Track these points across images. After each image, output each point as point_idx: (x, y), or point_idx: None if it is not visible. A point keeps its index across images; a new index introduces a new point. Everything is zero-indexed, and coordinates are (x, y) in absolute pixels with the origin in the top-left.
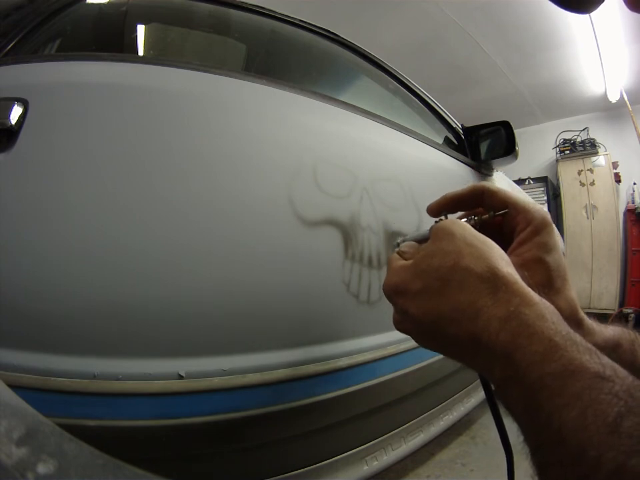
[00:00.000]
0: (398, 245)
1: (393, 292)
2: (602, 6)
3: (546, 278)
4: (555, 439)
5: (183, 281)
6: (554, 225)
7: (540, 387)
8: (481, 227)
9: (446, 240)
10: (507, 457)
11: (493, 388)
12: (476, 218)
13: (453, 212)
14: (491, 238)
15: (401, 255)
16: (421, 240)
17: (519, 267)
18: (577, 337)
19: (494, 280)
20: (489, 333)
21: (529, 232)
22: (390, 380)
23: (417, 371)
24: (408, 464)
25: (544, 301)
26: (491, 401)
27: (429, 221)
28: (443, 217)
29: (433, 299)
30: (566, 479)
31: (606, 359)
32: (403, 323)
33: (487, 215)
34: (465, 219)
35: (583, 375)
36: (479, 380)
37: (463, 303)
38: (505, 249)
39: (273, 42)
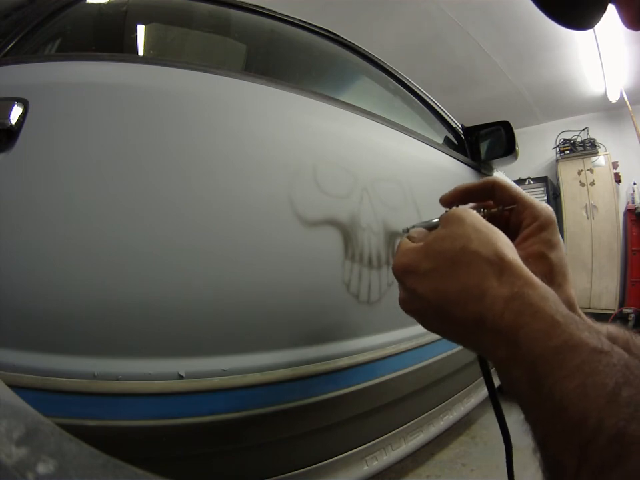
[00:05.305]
0: (408, 230)
1: (402, 271)
2: None
3: (547, 273)
4: (556, 408)
5: (183, 281)
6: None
7: (542, 362)
8: (489, 219)
9: (456, 225)
10: (504, 440)
11: (494, 370)
12: (485, 210)
13: (464, 203)
14: None
15: (411, 239)
16: (430, 228)
17: (523, 259)
18: (576, 317)
19: (500, 264)
20: (494, 313)
21: (534, 228)
22: (390, 380)
23: (417, 371)
24: (408, 464)
25: (545, 285)
26: (489, 383)
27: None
28: (455, 207)
29: (441, 279)
30: (568, 447)
31: (604, 337)
32: (409, 302)
33: (496, 209)
34: (475, 210)
35: (583, 349)
36: (478, 381)
37: (470, 284)
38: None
39: (273, 42)
